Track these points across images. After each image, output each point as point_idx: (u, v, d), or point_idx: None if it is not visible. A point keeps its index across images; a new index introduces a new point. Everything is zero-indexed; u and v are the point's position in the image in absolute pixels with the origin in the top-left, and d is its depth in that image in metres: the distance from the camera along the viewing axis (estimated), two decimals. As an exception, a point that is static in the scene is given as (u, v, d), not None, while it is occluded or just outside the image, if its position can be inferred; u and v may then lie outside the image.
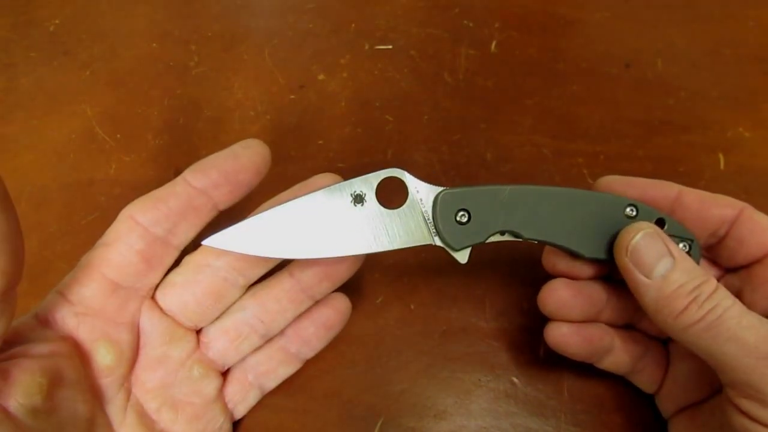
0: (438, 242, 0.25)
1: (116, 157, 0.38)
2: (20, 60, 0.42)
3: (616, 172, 0.36)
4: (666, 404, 0.28)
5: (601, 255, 0.25)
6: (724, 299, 0.22)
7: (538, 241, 0.25)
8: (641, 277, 0.23)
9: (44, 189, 0.36)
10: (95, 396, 0.24)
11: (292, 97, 0.40)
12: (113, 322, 0.24)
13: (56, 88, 0.41)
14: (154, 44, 0.43)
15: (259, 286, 0.28)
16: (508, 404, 0.29)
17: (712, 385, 0.25)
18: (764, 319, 0.21)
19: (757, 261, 0.25)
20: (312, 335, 0.28)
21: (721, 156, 0.36)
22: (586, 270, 0.27)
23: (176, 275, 0.26)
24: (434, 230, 0.25)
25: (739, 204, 0.25)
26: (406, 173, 0.25)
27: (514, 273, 0.33)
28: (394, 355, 0.31)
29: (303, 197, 0.24)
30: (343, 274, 0.27)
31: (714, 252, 0.26)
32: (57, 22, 0.44)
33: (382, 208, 0.24)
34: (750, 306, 0.23)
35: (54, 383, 0.22)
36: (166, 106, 0.40)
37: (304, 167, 0.37)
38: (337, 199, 0.24)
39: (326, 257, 0.24)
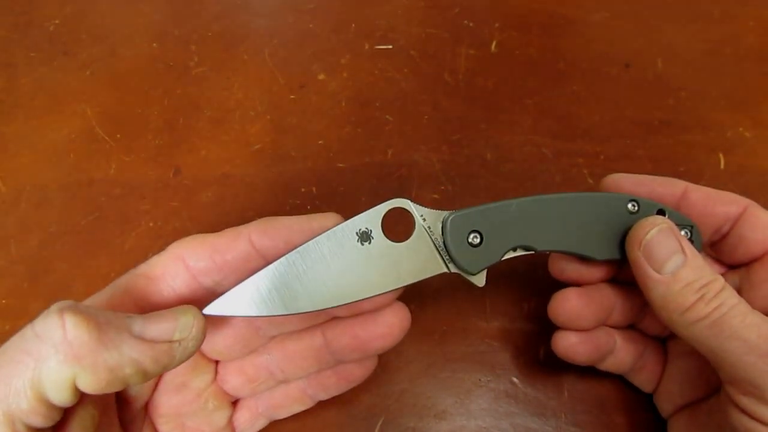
0: (453, 269, 0.24)
1: (116, 157, 0.38)
2: (20, 60, 0.42)
3: (616, 171, 0.36)
4: (664, 403, 0.28)
5: (614, 255, 0.25)
6: (730, 297, 0.22)
7: (551, 252, 0.25)
8: (652, 272, 0.23)
9: (44, 189, 0.36)
10: (122, 421, 0.24)
11: (292, 97, 0.40)
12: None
13: (56, 88, 0.41)
14: (154, 44, 0.43)
15: (288, 335, 0.26)
16: (508, 404, 0.29)
17: (710, 384, 0.25)
18: (766, 318, 0.21)
19: (757, 259, 0.25)
20: (332, 384, 0.27)
21: (721, 156, 0.36)
22: (596, 273, 0.27)
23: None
24: (447, 257, 0.24)
25: (744, 201, 0.25)
26: (409, 202, 0.24)
27: (514, 273, 0.33)
28: (394, 355, 0.31)
29: (306, 245, 0.22)
30: (379, 346, 0.25)
31: (717, 249, 0.26)
32: (57, 22, 0.44)
33: (390, 242, 0.23)
34: (749, 304, 0.23)
35: (101, 412, 0.21)
36: (166, 106, 0.40)
37: (304, 167, 0.37)
38: (343, 241, 0.23)
39: (339, 305, 0.23)
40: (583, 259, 0.26)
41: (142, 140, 0.38)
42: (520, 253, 0.25)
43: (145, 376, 0.20)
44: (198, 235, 0.24)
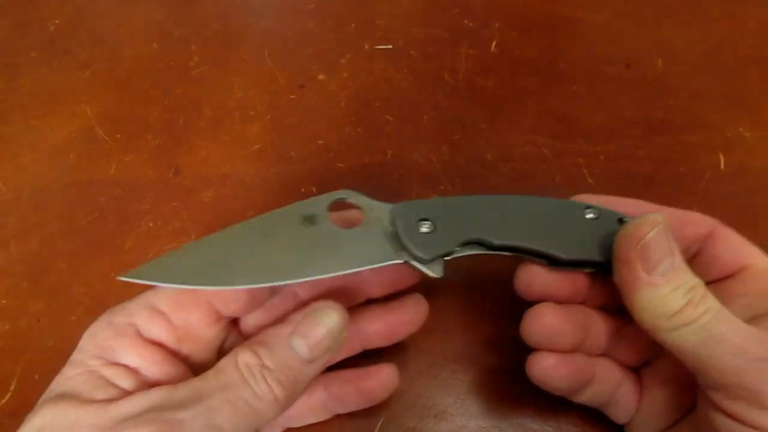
0: (406, 258, 0.23)
1: (116, 157, 0.38)
2: (20, 60, 0.42)
3: (617, 171, 0.36)
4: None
5: (581, 256, 0.24)
6: (714, 301, 0.22)
7: (511, 251, 0.24)
8: (643, 274, 0.22)
9: (44, 189, 0.36)
10: None
11: (292, 97, 0.40)
12: (207, 348, 0.24)
13: (56, 88, 0.41)
14: (154, 44, 0.43)
15: None
16: (508, 404, 0.29)
17: (683, 406, 0.25)
18: (746, 324, 0.21)
19: (729, 276, 0.25)
20: (352, 400, 0.27)
21: (721, 156, 0.36)
22: (565, 289, 0.26)
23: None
24: (399, 246, 0.23)
25: (710, 221, 0.25)
26: (356, 193, 0.23)
27: (514, 273, 0.33)
28: (394, 355, 0.31)
29: (248, 221, 0.23)
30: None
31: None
32: (57, 22, 0.44)
33: (336, 228, 0.23)
34: None
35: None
36: (166, 106, 0.40)
37: (304, 167, 0.37)
38: (286, 221, 0.22)
39: (278, 284, 0.22)
40: (551, 265, 0.25)
41: (142, 140, 0.38)
42: (480, 251, 0.24)
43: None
44: None
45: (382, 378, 0.27)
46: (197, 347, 0.24)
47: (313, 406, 0.28)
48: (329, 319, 0.22)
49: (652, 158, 0.36)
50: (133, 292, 0.33)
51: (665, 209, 0.26)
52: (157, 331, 0.23)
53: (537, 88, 0.39)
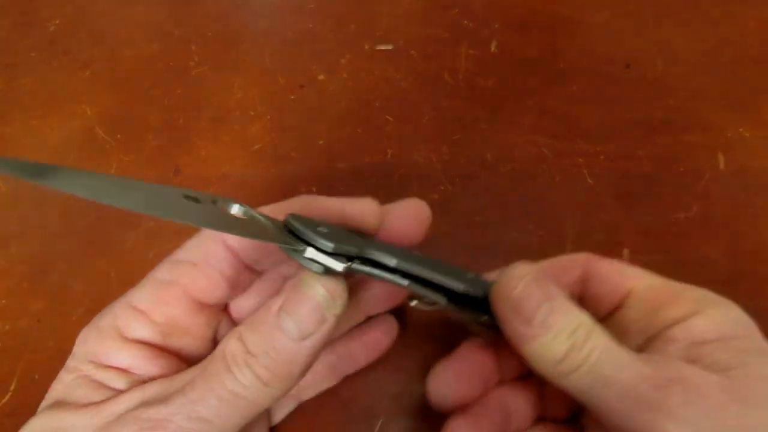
0: (302, 248, 0.20)
1: (116, 157, 0.38)
2: (20, 60, 0.42)
3: (616, 171, 0.36)
4: None
5: (477, 290, 0.23)
6: (600, 338, 0.21)
7: (409, 278, 0.22)
8: (522, 328, 0.21)
9: (44, 189, 0.36)
10: None
11: (292, 97, 0.40)
12: (198, 338, 0.24)
13: (56, 88, 0.41)
14: (155, 44, 0.43)
15: None
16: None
17: None
18: (639, 357, 0.20)
19: (616, 308, 0.24)
20: (361, 355, 0.28)
21: (721, 156, 0.36)
22: (474, 380, 0.25)
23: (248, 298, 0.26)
24: (294, 238, 0.21)
25: (580, 260, 0.25)
26: (248, 207, 0.22)
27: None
28: (394, 355, 0.31)
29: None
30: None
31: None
32: (57, 22, 0.44)
33: (221, 210, 0.21)
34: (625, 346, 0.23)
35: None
36: (166, 106, 0.40)
37: (304, 167, 0.37)
38: (170, 191, 0.20)
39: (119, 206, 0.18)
40: (449, 302, 0.23)
41: (142, 140, 0.38)
42: (379, 271, 0.22)
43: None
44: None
45: (383, 327, 0.28)
46: (188, 339, 0.24)
47: (323, 372, 0.28)
48: (315, 291, 0.21)
49: (652, 158, 0.36)
50: (133, 292, 0.33)
51: (542, 263, 0.25)
52: (140, 330, 0.22)
53: (537, 88, 0.39)
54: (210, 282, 0.23)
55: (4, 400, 0.30)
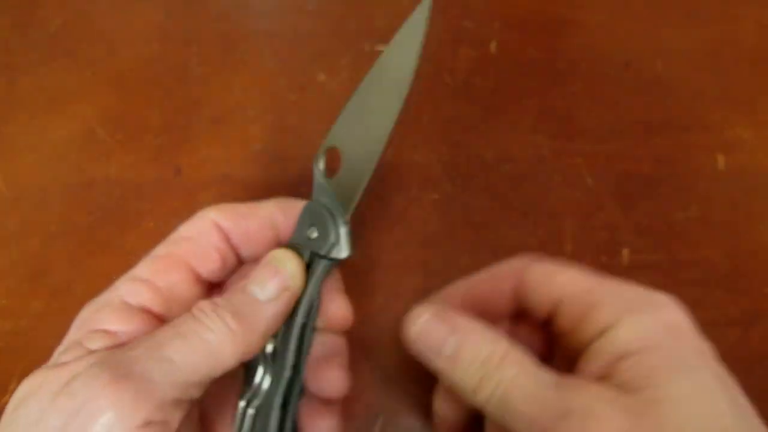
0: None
1: (116, 157, 0.38)
2: (20, 60, 0.42)
3: (616, 171, 0.36)
4: None
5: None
6: (510, 367, 0.20)
7: None
8: (434, 361, 0.22)
9: (44, 189, 0.36)
10: None
11: (293, 97, 0.40)
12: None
13: (56, 88, 0.41)
14: (155, 45, 0.43)
15: None
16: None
17: None
18: (552, 383, 0.20)
19: (552, 316, 0.23)
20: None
21: (720, 156, 0.36)
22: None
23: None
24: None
25: (514, 267, 0.24)
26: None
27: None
28: (394, 355, 0.31)
29: None
30: None
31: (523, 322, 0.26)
32: (57, 22, 0.44)
33: None
34: (565, 359, 0.23)
35: None
36: (166, 107, 0.40)
37: (304, 167, 0.37)
38: None
39: None
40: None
41: (143, 140, 0.38)
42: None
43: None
44: (223, 203, 0.26)
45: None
46: (182, 310, 0.24)
47: None
48: (285, 263, 0.23)
49: (652, 158, 0.36)
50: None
51: (478, 275, 0.25)
52: (142, 295, 0.23)
53: (537, 88, 0.39)
54: (204, 252, 0.25)
55: (4, 400, 0.30)
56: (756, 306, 0.32)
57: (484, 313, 0.24)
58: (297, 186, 0.36)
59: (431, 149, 0.37)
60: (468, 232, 0.34)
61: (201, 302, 0.22)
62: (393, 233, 0.34)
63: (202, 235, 0.25)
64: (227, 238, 0.25)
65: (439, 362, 0.22)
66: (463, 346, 0.21)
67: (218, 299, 0.22)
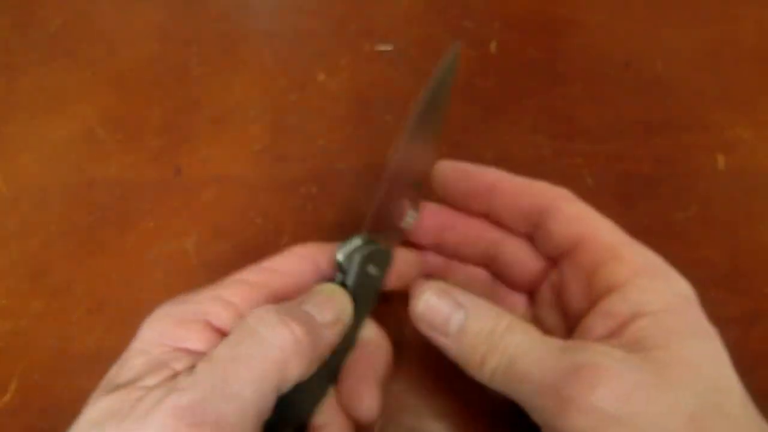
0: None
1: (116, 157, 0.38)
2: (20, 60, 0.42)
3: (616, 171, 0.36)
4: None
5: None
6: (515, 335, 0.20)
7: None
8: (441, 338, 0.22)
9: (44, 189, 0.36)
10: None
11: (293, 97, 0.40)
12: None
13: (56, 88, 0.41)
14: (155, 45, 0.43)
15: None
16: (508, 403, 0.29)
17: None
18: (557, 346, 0.20)
19: (565, 255, 0.23)
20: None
21: (720, 156, 0.36)
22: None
23: None
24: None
25: (552, 193, 0.24)
26: None
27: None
28: (394, 355, 0.31)
29: None
30: None
31: (535, 242, 0.25)
32: (58, 22, 0.44)
33: None
34: (567, 302, 0.23)
35: None
36: (166, 107, 0.40)
37: (304, 167, 0.37)
38: None
39: None
40: None
41: (143, 140, 0.38)
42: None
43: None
44: (314, 243, 0.25)
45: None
46: None
47: None
48: (336, 295, 0.23)
49: (652, 158, 0.36)
50: (133, 292, 0.33)
51: (510, 178, 0.25)
52: (227, 320, 0.22)
53: (537, 88, 0.39)
54: (296, 290, 0.24)
55: (4, 400, 0.30)
56: (756, 306, 0.32)
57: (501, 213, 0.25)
58: (297, 186, 0.36)
59: (431, 149, 0.37)
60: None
61: (257, 310, 0.21)
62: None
63: (295, 271, 0.24)
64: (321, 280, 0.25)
65: (445, 339, 0.22)
66: (468, 319, 0.21)
67: (272, 306, 0.21)
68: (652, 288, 0.21)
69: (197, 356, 0.20)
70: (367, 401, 0.24)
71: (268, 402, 0.19)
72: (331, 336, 0.22)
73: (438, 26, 0.43)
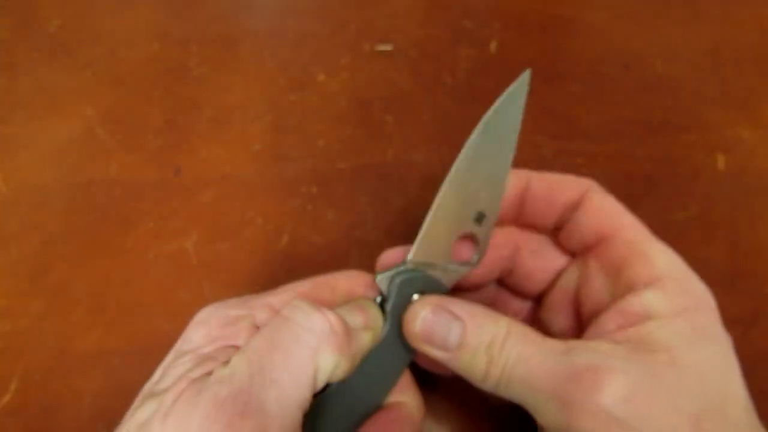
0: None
1: (116, 157, 0.38)
2: (20, 60, 0.42)
3: (616, 171, 0.36)
4: None
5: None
6: (515, 345, 0.20)
7: None
8: (442, 354, 0.22)
9: (45, 189, 0.36)
10: None
11: (293, 97, 0.40)
12: None
13: (56, 88, 0.41)
14: (155, 45, 0.43)
15: None
16: (508, 403, 0.29)
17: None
18: (560, 349, 0.20)
19: (591, 248, 0.23)
20: None
21: (720, 156, 0.36)
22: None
23: None
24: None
25: (583, 185, 0.24)
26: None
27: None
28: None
29: None
30: None
31: (560, 237, 0.25)
32: (57, 22, 0.44)
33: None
34: (584, 298, 0.23)
35: None
36: (166, 107, 0.40)
37: (304, 167, 0.37)
38: None
39: None
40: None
41: (143, 140, 0.38)
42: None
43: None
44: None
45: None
46: None
47: None
48: (368, 306, 0.23)
49: (652, 158, 0.36)
50: (133, 292, 0.33)
51: (543, 177, 0.25)
52: None
53: (537, 88, 0.39)
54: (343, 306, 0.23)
55: (4, 400, 0.30)
56: (756, 306, 0.32)
57: (533, 210, 0.25)
58: (297, 186, 0.36)
59: (431, 149, 0.37)
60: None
61: (294, 301, 0.21)
62: (393, 233, 0.34)
63: (351, 289, 0.24)
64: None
65: (446, 354, 0.22)
66: (466, 332, 0.21)
67: (305, 299, 0.21)
68: (669, 291, 0.21)
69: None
70: None
71: (306, 391, 0.19)
72: (362, 338, 0.21)
73: (438, 26, 0.43)
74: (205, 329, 0.21)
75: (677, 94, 0.39)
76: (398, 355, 0.24)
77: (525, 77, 0.25)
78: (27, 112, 0.40)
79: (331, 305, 0.22)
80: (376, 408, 0.24)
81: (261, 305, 0.22)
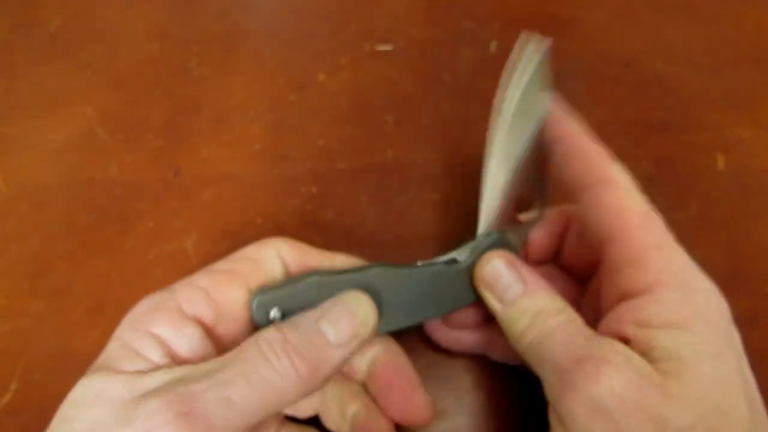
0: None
1: (116, 157, 0.38)
2: (20, 60, 0.42)
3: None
4: None
5: (461, 304, 0.26)
6: (559, 319, 0.22)
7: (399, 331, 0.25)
8: (495, 303, 0.24)
9: (44, 189, 0.36)
10: None
11: (293, 97, 0.40)
12: (243, 334, 0.24)
13: (56, 88, 0.41)
14: (155, 45, 0.43)
15: None
16: (508, 403, 0.29)
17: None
18: (586, 333, 0.21)
19: (604, 242, 0.24)
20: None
21: (720, 156, 0.36)
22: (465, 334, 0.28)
23: None
24: None
25: (564, 212, 0.27)
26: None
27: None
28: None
29: None
30: None
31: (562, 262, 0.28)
32: (57, 22, 0.44)
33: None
34: (600, 293, 0.24)
35: None
36: (166, 107, 0.40)
37: (304, 167, 0.37)
38: None
39: None
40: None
41: (142, 140, 0.38)
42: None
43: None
44: (292, 240, 0.26)
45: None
46: (233, 329, 0.24)
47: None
48: (359, 307, 0.23)
49: (652, 158, 0.36)
50: (133, 292, 0.33)
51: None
52: (198, 305, 0.23)
53: (537, 88, 0.39)
54: (264, 276, 0.24)
55: (4, 400, 0.30)
56: (756, 306, 0.32)
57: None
58: (297, 186, 0.36)
59: (431, 149, 0.37)
60: (468, 232, 0.34)
61: (269, 332, 0.21)
62: (393, 233, 0.34)
63: (265, 260, 0.25)
64: (287, 269, 0.25)
65: (497, 304, 0.24)
66: (526, 295, 0.23)
67: (287, 329, 0.21)
68: (668, 301, 0.21)
69: (164, 344, 0.21)
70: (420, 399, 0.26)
71: (257, 419, 0.20)
72: (340, 356, 0.22)
73: (438, 26, 0.43)
74: (130, 316, 0.22)
75: (677, 94, 0.39)
76: (461, 292, 0.25)
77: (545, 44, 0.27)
78: (27, 112, 0.40)
79: (257, 278, 0.24)
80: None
81: (182, 285, 0.23)
